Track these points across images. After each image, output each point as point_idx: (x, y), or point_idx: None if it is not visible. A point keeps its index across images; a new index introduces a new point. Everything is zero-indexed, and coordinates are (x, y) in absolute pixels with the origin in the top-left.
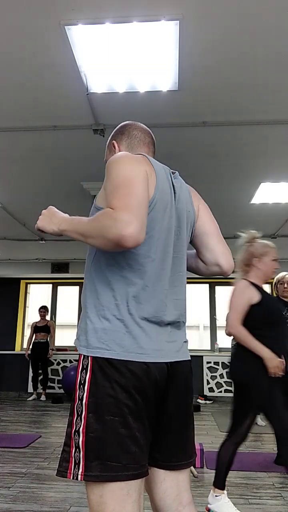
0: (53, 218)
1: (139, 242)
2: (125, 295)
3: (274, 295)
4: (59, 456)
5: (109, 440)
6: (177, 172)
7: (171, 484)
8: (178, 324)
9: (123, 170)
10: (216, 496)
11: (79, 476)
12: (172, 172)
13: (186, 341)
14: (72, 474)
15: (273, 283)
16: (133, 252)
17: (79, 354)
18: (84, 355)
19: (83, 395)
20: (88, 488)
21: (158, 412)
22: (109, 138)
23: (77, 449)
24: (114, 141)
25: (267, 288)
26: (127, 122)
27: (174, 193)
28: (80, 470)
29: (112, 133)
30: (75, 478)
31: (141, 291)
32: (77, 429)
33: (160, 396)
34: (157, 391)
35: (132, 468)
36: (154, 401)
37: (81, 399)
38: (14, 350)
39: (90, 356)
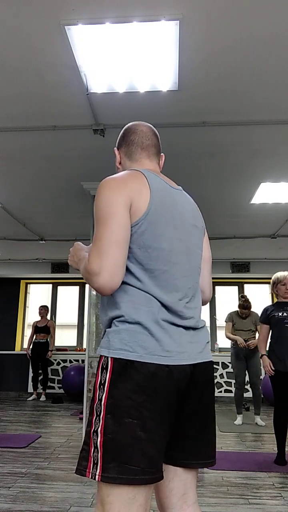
0: (75, 257)
1: (112, 288)
2: (145, 300)
3: (274, 296)
4: (58, 456)
5: (126, 443)
6: (180, 187)
7: (179, 484)
8: (197, 328)
9: (100, 204)
10: None
11: (97, 477)
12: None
13: (208, 341)
14: (90, 474)
15: (272, 283)
16: (142, 267)
17: (100, 356)
18: (104, 356)
19: (102, 395)
20: (98, 485)
21: (178, 413)
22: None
23: (96, 449)
24: (115, 149)
25: (267, 288)
26: (128, 125)
27: (177, 205)
28: (98, 471)
29: (119, 136)
30: (93, 477)
31: (159, 299)
32: (95, 429)
33: (182, 398)
34: (178, 393)
35: (150, 472)
36: (176, 404)
37: (100, 400)
38: (14, 350)
39: (111, 357)
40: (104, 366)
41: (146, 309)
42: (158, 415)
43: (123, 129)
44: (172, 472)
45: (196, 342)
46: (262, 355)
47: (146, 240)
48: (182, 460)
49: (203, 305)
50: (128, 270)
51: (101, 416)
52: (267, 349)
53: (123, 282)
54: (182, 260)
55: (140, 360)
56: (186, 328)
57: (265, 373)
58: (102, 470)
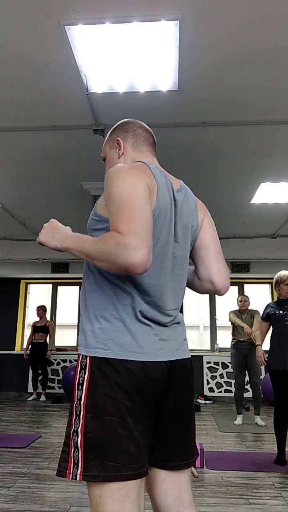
0: (56, 234)
1: (147, 268)
2: (122, 297)
3: (275, 295)
4: (59, 456)
5: (107, 440)
6: (182, 183)
7: (172, 484)
8: (175, 325)
9: (124, 188)
10: None
11: (78, 476)
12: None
13: (185, 339)
14: (71, 474)
15: (275, 282)
16: None
17: (78, 354)
18: (82, 355)
19: (81, 395)
20: (89, 488)
21: (158, 411)
22: (110, 135)
23: (76, 449)
24: (119, 138)
25: (267, 288)
26: (128, 119)
27: (175, 207)
28: (79, 470)
29: (114, 130)
30: (74, 478)
31: (138, 298)
32: (75, 429)
33: (160, 395)
34: (156, 390)
35: (131, 468)
36: (153, 401)
37: (79, 399)
38: (14, 350)
39: (89, 356)
40: (83, 366)
41: (122, 306)
42: (136, 412)
43: (124, 122)
44: (163, 474)
45: (173, 340)
46: (257, 345)
47: None
48: (166, 461)
49: (220, 295)
50: None
51: (80, 416)
52: (268, 348)
53: (104, 276)
54: (168, 264)
55: (115, 358)
56: (162, 324)
57: (265, 373)
58: (83, 469)
